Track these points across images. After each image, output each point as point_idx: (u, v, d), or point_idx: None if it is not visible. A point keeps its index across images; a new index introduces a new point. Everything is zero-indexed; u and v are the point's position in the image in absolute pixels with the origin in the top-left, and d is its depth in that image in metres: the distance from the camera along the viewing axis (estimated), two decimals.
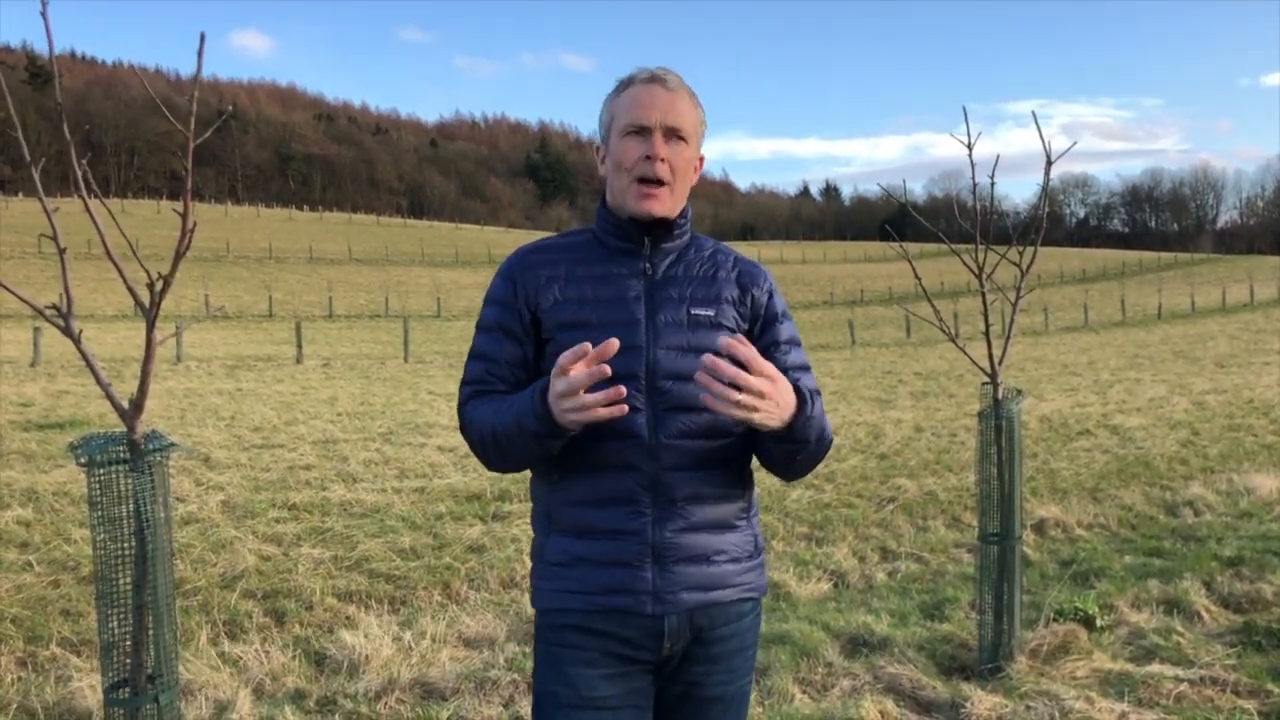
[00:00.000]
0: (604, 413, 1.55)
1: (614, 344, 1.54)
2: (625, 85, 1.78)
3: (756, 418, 1.57)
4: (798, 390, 1.66)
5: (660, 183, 1.74)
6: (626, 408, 1.58)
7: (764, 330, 1.84)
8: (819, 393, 1.81)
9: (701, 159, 1.85)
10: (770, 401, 1.57)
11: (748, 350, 1.55)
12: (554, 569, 1.76)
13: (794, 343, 1.87)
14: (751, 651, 1.86)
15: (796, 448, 1.70)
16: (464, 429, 1.78)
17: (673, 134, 1.74)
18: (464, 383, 1.82)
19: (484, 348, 1.80)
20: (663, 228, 1.79)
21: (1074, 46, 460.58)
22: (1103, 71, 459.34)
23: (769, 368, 1.58)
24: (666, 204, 1.76)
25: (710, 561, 1.75)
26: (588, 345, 1.53)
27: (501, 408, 1.69)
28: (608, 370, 1.52)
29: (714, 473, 1.76)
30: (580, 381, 1.53)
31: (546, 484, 1.79)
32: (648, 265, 1.79)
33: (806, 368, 1.86)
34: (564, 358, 1.54)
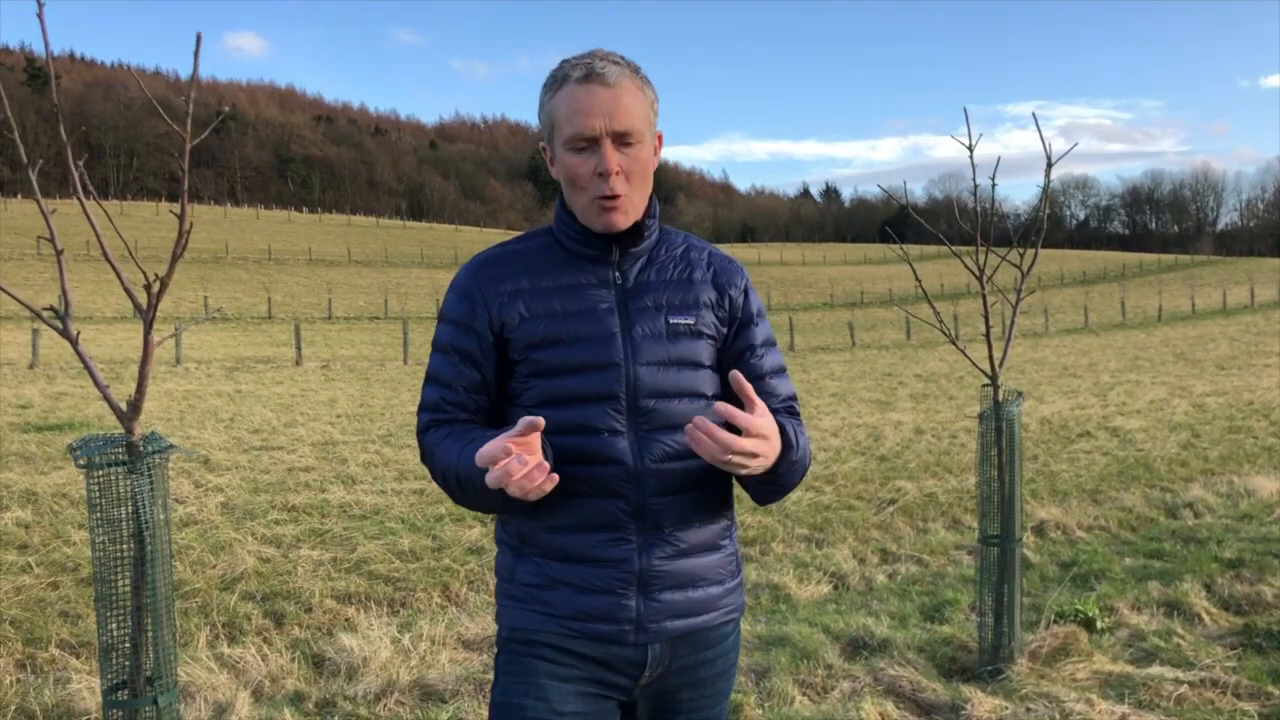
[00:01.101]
0: (532, 488, 1.43)
1: (539, 422, 1.43)
2: (560, 83, 1.58)
3: (743, 473, 1.51)
4: (783, 432, 1.57)
5: (619, 195, 1.60)
6: (555, 479, 1.45)
7: (739, 333, 1.72)
8: (794, 397, 1.76)
9: (660, 137, 1.69)
10: (762, 459, 1.49)
11: (744, 416, 1.46)
12: (528, 589, 1.65)
13: (770, 344, 1.76)
14: (733, 671, 1.80)
15: (776, 489, 1.63)
16: (424, 459, 1.66)
17: (621, 139, 1.57)
18: (421, 408, 1.69)
19: (440, 371, 1.67)
20: (630, 234, 1.65)
21: (1073, 48, 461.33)
22: (1102, 73, 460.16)
23: (763, 426, 1.48)
24: (630, 213, 1.62)
25: (695, 586, 1.67)
26: (510, 445, 1.41)
27: (465, 452, 1.54)
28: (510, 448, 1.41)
29: (700, 495, 1.66)
30: (504, 477, 1.41)
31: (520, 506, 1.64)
32: (617, 274, 1.66)
33: (782, 370, 1.78)
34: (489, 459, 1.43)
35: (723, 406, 1.46)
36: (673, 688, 1.71)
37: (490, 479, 1.42)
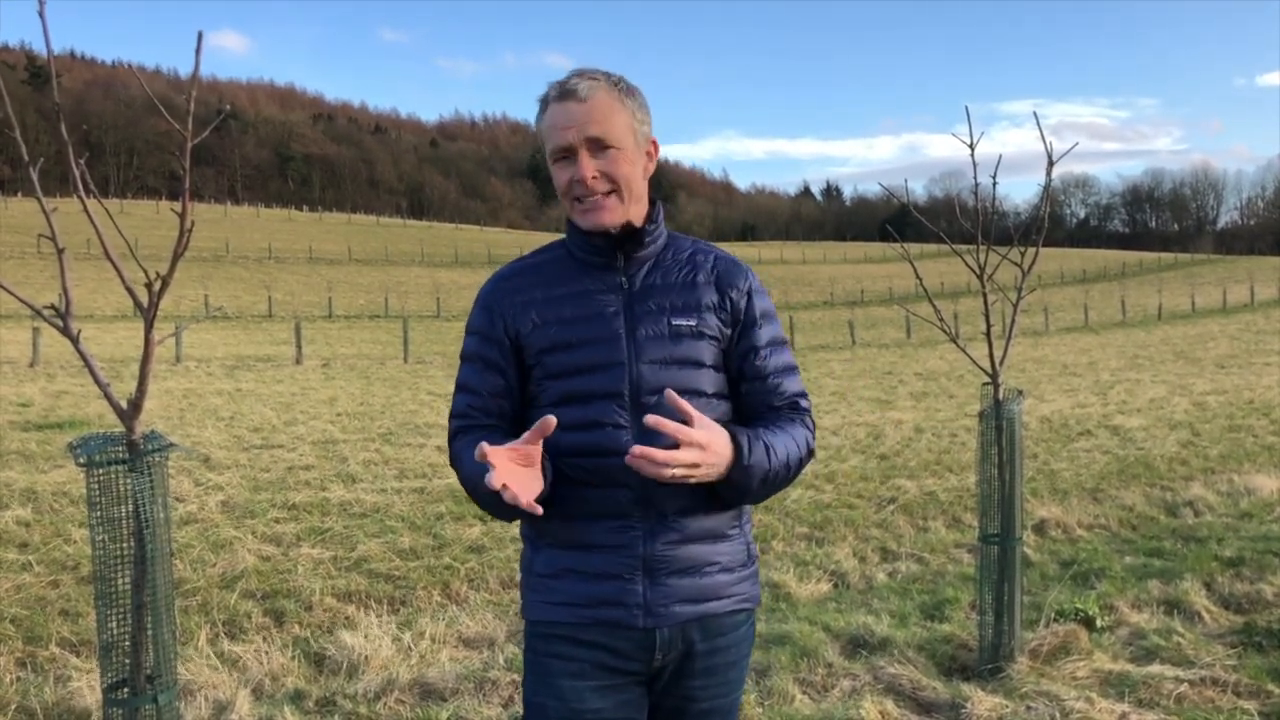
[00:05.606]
0: (523, 501, 1.48)
1: (550, 421, 1.51)
2: (543, 105, 1.70)
3: (691, 482, 1.57)
4: (734, 440, 1.61)
5: (597, 194, 1.68)
6: (540, 508, 1.50)
7: (743, 334, 1.76)
8: (803, 395, 1.78)
9: (655, 144, 1.76)
10: (705, 467, 1.55)
11: (674, 426, 1.52)
12: (543, 580, 1.74)
13: (776, 344, 1.79)
14: (745, 663, 1.83)
15: (737, 493, 1.66)
16: (452, 464, 1.75)
17: (597, 144, 1.66)
18: (451, 415, 1.79)
19: (466, 379, 1.77)
20: (633, 239, 1.72)
21: (1069, 47, 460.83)
22: (1098, 71, 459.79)
23: (698, 435, 1.54)
24: (616, 211, 1.69)
25: (703, 573, 1.72)
26: (484, 448, 1.46)
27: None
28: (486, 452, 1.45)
29: (704, 485, 1.68)
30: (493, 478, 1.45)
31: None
32: (623, 279, 1.73)
33: (791, 369, 1.80)
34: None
35: (651, 418, 1.53)
36: (685, 676, 1.76)
37: (488, 479, 1.45)
